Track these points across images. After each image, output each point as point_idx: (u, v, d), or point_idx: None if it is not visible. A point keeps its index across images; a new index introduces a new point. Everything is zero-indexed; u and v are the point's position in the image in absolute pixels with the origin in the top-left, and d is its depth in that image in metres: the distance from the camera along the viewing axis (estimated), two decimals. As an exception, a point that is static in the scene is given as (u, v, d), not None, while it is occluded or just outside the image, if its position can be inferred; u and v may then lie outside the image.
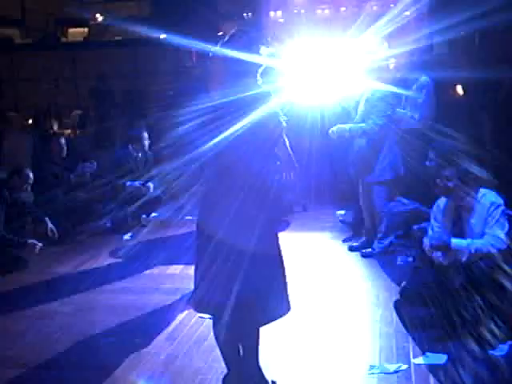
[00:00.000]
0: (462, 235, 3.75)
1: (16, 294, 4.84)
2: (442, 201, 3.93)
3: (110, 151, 7.05)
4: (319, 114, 5.77)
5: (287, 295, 3.01)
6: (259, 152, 2.84)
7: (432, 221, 3.96)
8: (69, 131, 10.35)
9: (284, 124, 2.91)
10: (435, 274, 3.74)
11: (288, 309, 3.02)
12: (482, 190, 3.75)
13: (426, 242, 3.83)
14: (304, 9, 12.13)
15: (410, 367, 3.37)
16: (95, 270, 5.45)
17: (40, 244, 5.51)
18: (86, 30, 13.15)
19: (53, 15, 14.40)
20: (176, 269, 5.28)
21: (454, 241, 3.63)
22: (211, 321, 3.02)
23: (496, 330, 3.56)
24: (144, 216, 6.95)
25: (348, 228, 6.25)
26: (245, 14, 14.05)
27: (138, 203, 6.64)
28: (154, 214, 7.10)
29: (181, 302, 4.42)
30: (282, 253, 3.01)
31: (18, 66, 11.61)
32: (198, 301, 2.95)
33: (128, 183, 6.48)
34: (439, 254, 3.74)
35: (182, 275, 5.02)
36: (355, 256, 5.50)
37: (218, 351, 3.09)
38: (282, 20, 13.78)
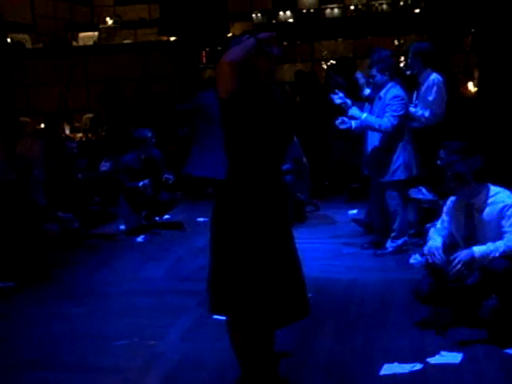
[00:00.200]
0: (472, 234, 3.70)
1: (29, 296, 4.87)
2: (453, 198, 3.90)
3: (121, 155, 7.06)
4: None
5: (304, 298, 3.00)
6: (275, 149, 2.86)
7: (443, 215, 3.93)
8: (80, 135, 10.41)
9: (294, 122, 2.93)
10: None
11: (305, 312, 3.00)
12: (495, 189, 3.70)
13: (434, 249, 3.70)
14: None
15: (424, 367, 3.35)
16: (108, 272, 5.47)
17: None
18: (96, 34, 13.23)
19: (63, 20, 14.51)
20: (190, 270, 5.29)
21: (477, 249, 3.51)
22: (226, 321, 3.02)
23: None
24: (157, 218, 6.98)
25: (360, 227, 6.23)
26: (254, 15, 14.09)
27: (151, 206, 6.67)
28: (167, 216, 7.12)
29: (195, 302, 4.42)
30: (297, 253, 3.01)
31: (29, 71, 11.70)
32: (212, 302, 2.95)
33: (140, 184, 6.50)
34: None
35: (196, 276, 5.03)
36: (368, 255, 5.49)
37: (232, 352, 3.09)
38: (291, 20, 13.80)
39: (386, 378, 3.27)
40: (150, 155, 6.75)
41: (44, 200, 6.05)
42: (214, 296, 2.93)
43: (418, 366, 3.36)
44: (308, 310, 3.01)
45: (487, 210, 3.66)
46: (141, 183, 6.47)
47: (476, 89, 10.38)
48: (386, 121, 5.13)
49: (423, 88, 5.70)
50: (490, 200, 3.66)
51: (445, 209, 3.93)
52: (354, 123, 5.25)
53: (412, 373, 3.30)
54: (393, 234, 5.43)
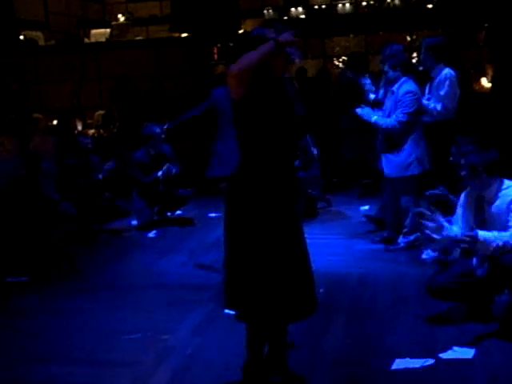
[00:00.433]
0: (481, 226, 3.68)
1: (41, 292, 4.91)
2: (466, 191, 3.89)
3: (133, 151, 7.10)
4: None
5: (311, 294, 3.00)
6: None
7: (458, 208, 3.91)
8: (93, 131, 10.46)
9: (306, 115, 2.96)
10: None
11: (312, 309, 3.02)
12: (507, 182, 3.69)
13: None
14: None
15: (436, 362, 3.34)
16: (121, 266, 5.50)
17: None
18: (108, 30, 13.27)
19: (75, 17, 14.56)
20: (201, 265, 5.30)
21: (481, 233, 3.53)
22: (238, 316, 3.03)
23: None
24: (169, 214, 7.00)
25: (372, 223, 6.22)
26: (265, 11, 14.05)
27: (165, 199, 6.71)
28: (178, 212, 7.14)
29: (207, 297, 4.44)
30: (306, 248, 3.01)
31: (42, 68, 11.77)
32: (224, 296, 2.96)
33: (159, 173, 6.60)
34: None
35: (207, 271, 5.05)
36: (380, 251, 5.47)
37: (242, 346, 3.09)
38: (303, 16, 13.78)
39: (397, 373, 3.26)
40: (160, 151, 6.77)
41: (57, 195, 6.10)
42: (228, 290, 2.94)
43: (430, 362, 3.33)
44: (316, 306, 3.02)
45: (497, 202, 3.65)
46: (159, 172, 6.54)
47: (490, 84, 10.29)
48: (393, 120, 5.15)
49: (435, 82, 5.67)
50: (501, 193, 3.64)
51: (459, 202, 3.93)
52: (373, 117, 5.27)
53: (423, 368, 3.28)
54: (405, 230, 5.41)
